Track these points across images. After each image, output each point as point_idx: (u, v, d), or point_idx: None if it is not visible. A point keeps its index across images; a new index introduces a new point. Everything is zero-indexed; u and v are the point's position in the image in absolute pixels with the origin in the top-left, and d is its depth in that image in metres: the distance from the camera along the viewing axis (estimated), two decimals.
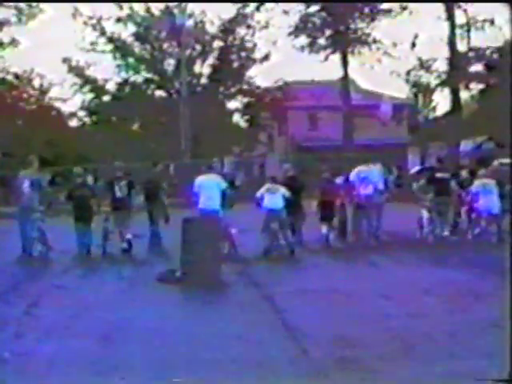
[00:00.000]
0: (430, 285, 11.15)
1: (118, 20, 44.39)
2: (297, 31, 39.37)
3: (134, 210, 17.07)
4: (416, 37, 37.55)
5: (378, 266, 13.91)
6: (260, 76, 58.54)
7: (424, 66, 38.12)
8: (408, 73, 41.20)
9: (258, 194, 15.94)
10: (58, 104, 50.75)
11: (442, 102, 63.36)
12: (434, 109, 57.69)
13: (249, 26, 45.30)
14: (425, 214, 17.35)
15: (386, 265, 13.98)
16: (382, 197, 17.35)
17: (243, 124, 54.20)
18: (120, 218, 16.36)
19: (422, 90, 43.49)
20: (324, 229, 16.71)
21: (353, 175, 17.29)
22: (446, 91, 39.11)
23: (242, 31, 45.75)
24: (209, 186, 15.04)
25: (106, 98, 47.80)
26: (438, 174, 17.61)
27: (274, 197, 15.63)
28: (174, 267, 12.33)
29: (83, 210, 16.19)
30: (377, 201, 17.04)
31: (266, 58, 46.11)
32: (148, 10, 44.52)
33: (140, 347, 7.72)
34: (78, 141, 49.34)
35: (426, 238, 17.03)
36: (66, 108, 57.17)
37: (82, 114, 50.66)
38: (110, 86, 47.42)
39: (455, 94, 36.26)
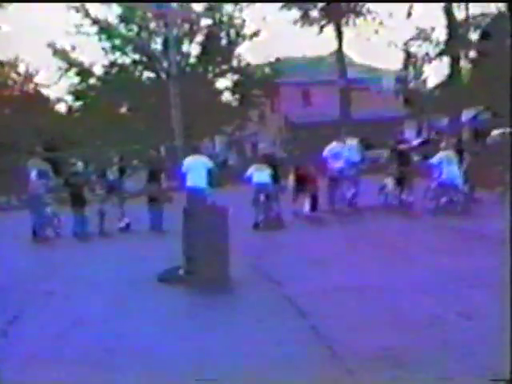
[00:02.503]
0: None
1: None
2: (288, 4, 38.08)
3: (127, 195, 19.20)
4: (411, 5, 36.23)
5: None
6: (250, 53, 57.39)
7: (422, 35, 36.84)
8: (406, 43, 39.77)
9: (248, 173, 17.69)
10: (44, 90, 49.55)
11: (432, 74, 62.19)
12: (424, 81, 56.47)
13: (236, 2, 44.02)
14: (389, 181, 18.92)
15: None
16: (355, 169, 19.26)
17: (234, 103, 52.77)
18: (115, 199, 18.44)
19: (420, 61, 41.89)
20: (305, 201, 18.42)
21: (326, 151, 19.20)
22: (444, 61, 37.96)
23: (229, 8, 44.50)
24: (195, 167, 16.39)
25: (92, 82, 46.39)
26: (400, 146, 19.39)
27: (262, 173, 17.33)
28: (176, 264, 11.14)
29: (78, 197, 17.93)
30: (348, 173, 18.96)
31: (255, 34, 44.91)
32: None
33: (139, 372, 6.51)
34: (65, 126, 48.28)
35: (391, 203, 18.85)
36: (52, 93, 56.00)
37: (68, 98, 49.32)
38: (97, 69, 46.11)
39: (457, 62, 35.03)
